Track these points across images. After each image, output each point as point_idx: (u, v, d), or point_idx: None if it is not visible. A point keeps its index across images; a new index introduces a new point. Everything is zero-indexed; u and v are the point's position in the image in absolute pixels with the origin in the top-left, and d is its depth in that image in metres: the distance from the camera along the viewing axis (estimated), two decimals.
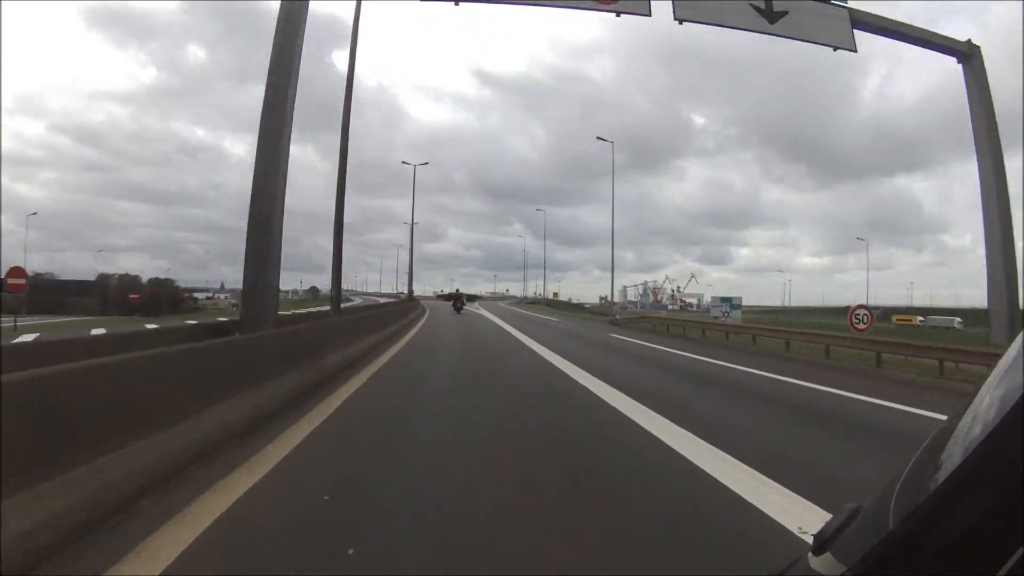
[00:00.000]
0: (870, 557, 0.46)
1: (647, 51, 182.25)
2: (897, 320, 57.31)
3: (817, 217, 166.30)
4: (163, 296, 62.69)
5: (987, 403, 0.45)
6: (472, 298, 69.25)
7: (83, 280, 67.95)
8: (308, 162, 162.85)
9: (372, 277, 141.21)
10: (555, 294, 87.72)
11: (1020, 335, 0.46)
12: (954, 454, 0.44)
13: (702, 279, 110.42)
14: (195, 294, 79.27)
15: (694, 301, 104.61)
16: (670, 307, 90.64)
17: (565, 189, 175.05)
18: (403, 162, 57.70)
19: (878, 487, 0.52)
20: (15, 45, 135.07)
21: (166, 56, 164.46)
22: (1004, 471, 0.40)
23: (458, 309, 35.48)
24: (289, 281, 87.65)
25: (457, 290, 41.38)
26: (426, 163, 66.21)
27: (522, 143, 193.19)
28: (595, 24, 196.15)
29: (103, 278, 68.66)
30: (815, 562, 0.53)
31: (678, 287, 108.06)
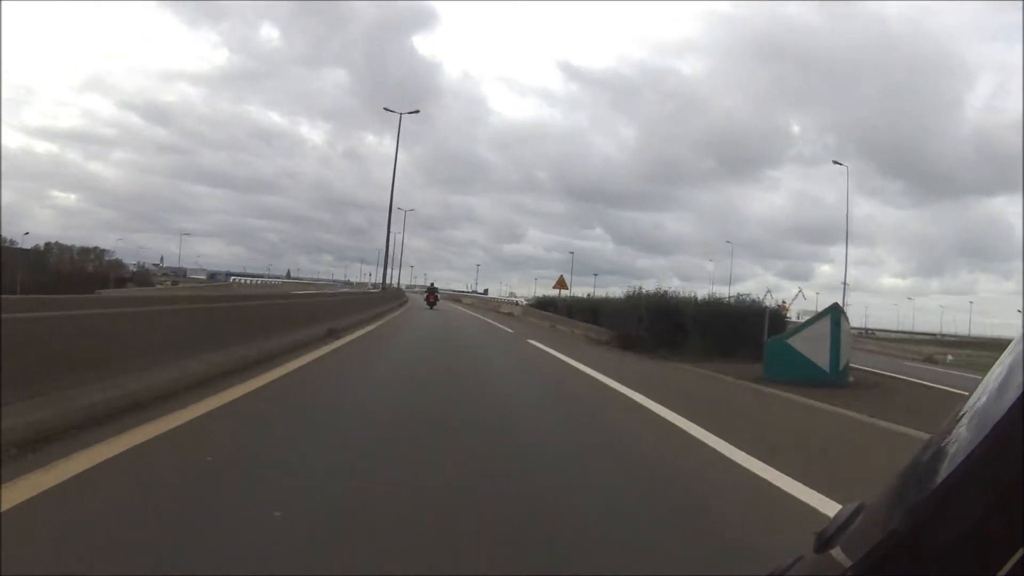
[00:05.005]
0: (872, 555, 0.46)
1: (744, 50, 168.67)
2: None
3: (905, 236, 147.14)
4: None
5: (986, 402, 0.45)
6: None
7: None
8: (388, 152, 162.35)
9: (445, 274, 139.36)
10: None
11: (1019, 333, 0.46)
12: (955, 453, 0.44)
13: (779, 294, 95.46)
14: (249, 279, 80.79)
15: None
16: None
17: (650, 193, 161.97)
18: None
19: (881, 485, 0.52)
20: (86, 21, 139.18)
21: (239, 36, 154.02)
22: (1004, 470, 0.40)
23: (431, 304, 31.53)
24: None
25: (432, 284, 36.02)
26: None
27: (606, 143, 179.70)
28: (688, 20, 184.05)
29: None
30: (817, 560, 0.53)
31: (783, 301, 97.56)
